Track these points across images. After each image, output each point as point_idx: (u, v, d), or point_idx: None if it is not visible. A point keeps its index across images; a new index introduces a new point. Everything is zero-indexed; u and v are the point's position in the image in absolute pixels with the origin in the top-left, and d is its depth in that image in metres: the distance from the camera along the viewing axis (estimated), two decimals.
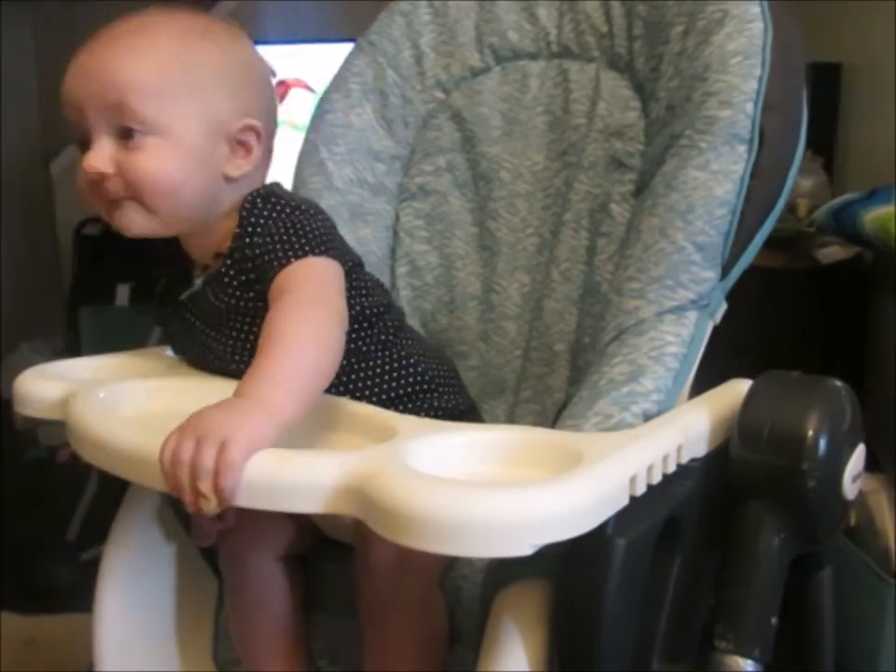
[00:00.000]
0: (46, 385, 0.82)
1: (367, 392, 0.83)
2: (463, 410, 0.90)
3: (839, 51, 2.17)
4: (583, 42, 1.01)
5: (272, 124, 0.86)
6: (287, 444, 0.65)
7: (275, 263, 0.77)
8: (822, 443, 0.71)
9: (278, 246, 0.77)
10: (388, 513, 0.56)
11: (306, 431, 0.74)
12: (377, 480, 0.58)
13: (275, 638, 0.89)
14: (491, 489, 0.58)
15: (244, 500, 0.62)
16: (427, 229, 1.07)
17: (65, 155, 3.52)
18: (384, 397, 0.83)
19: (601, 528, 0.59)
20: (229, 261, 0.80)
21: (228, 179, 0.82)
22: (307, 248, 0.78)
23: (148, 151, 0.77)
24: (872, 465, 0.82)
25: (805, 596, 0.82)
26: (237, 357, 0.82)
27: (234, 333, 0.82)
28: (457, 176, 1.06)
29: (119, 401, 0.77)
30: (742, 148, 0.82)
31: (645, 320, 0.80)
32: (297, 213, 0.80)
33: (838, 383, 0.76)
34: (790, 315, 1.84)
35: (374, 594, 0.79)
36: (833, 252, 1.85)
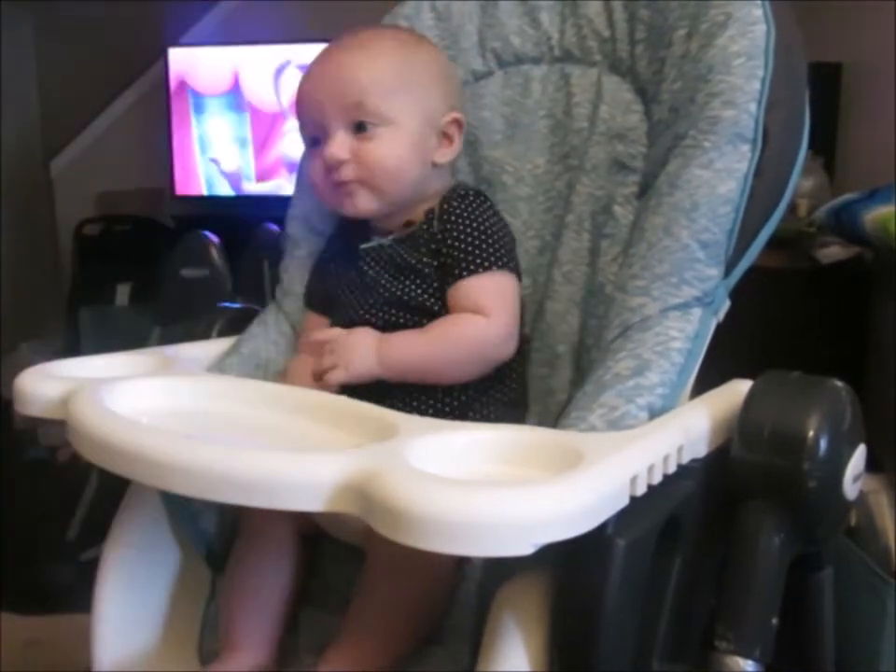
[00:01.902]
0: (46, 385, 0.82)
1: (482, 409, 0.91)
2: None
3: (839, 51, 2.17)
4: (585, 46, 1.00)
5: (464, 118, 0.98)
6: (287, 443, 0.65)
7: (463, 265, 0.89)
8: (823, 444, 0.71)
9: (471, 249, 0.90)
10: (389, 512, 0.56)
11: (307, 430, 0.74)
12: (378, 478, 0.58)
13: (265, 613, 0.89)
14: (492, 488, 0.58)
15: (243, 499, 0.62)
16: None
17: (65, 155, 3.52)
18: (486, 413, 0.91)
19: (601, 528, 0.59)
20: (425, 226, 0.93)
21: (434, 166, 0.95)
22: (493, 259, 0.89)
23: (379, 140, 0.91)
24: (872, 465, 0.82)
25: (805, 597, 0.82)
26: (386, 305, 0.92)
27: (398, 284, 0.92)
28: None
29: (120, 401, 0.77)
30: (745, 147, 0.82)
31: (650, 317, 0.80)
32: (494, 217, 0.93)
33: (838, 383, 0.76)
34: (790, 314, 1.84)
35: (378, 593, 0.80)
36: (833, 252, 1.85)
